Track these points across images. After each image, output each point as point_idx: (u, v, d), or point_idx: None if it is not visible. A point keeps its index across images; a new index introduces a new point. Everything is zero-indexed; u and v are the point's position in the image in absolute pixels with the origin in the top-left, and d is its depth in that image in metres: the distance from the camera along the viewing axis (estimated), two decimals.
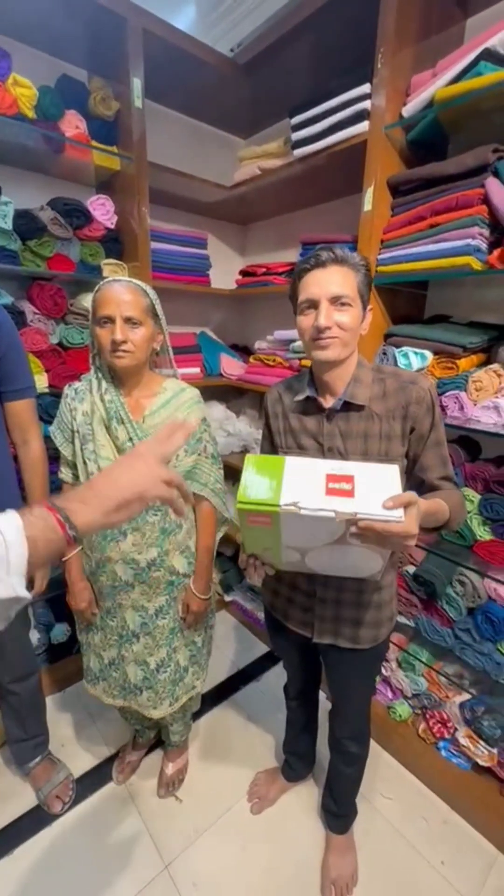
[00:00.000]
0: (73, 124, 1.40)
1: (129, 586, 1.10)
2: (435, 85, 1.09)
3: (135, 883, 1.16)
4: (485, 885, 1.17)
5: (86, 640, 1.22)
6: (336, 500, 0.65)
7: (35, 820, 1.29)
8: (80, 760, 1.45)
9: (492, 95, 1.01)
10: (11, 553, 0.45)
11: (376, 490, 0.65)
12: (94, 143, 1.45)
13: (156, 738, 1.51)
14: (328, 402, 0.89)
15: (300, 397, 0.92)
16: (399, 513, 0.63)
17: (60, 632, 1.70)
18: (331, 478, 0.67)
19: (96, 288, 0.99)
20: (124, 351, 0.97)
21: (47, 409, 1.49)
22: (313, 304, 0.83)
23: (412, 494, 0.66)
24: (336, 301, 0.81)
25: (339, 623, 0.97)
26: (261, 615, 2.03)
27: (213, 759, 1.49)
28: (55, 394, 1.51)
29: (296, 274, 0.87)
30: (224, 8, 1.64)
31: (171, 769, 1.40)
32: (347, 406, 0.87)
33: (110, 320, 0.96)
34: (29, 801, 1.34)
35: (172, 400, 1.08)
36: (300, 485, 0.67)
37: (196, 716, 1.58)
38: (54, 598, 1.70)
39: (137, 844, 1.24)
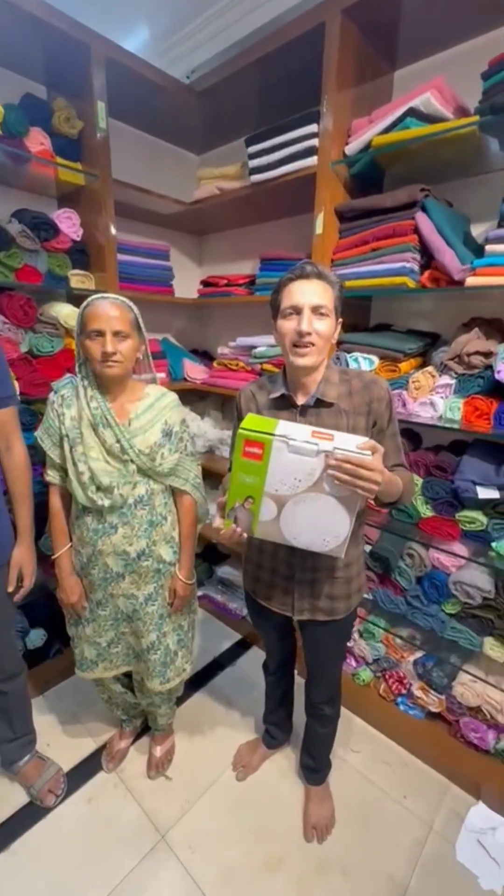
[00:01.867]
0: (37, 141, 1.46)
1: (119, 577, 1.19)
2: (371, 131, 1.30)
3: (133, 855, 1.25)
4: (440, 809, 1.39)
5: (76, 633, 1.30)
6: (319, 439, 0.81)
7: (29, 815, 1.34)
8: (68, 756, 1.51)
9: (417, 145, 1.22)
10: None
11: (350, 443, 0.83)
12: (58, 159, 1.52)
13: (142, 726, 1.60)
14: (301, 400, 1.01)
15: (275, 395, 1.03)
16: (368, 452, 0.80)
17: (37, 637, 1.73)
18: (315, 432, 0.84)
19: (85, 303, 1.09)
20: (115, 361, 1.07)
21: (20, 416, 1.54)
22: (296, 310, 0.93)
23: (378, 445, 0.83)
24: (316, 310, 0.93)
25: (315, 599, 1.10)
26: (232, 605, 2.17)
27: (198, 739, 1.61)
28: (27, 401, 1.56)
29: (280, 283, 0.97)
30: (178, 37, 1.77)
31: (159, 752, 1.50)
32: (318, 403, 0.99)
33: (101, 334, 1.06)
34: (21, 799, 1.38)
35: (155, 404, 1.20)
36: (291, 430, 0.83)
37: (179, 701, 1.69)
38: (30, 604, 1.74)
39: (133, 821, 1.34)
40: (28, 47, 1.42)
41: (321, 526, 0.89)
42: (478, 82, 1.13)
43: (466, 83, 1.18)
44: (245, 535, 0.93)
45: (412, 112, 1.20)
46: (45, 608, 1.75)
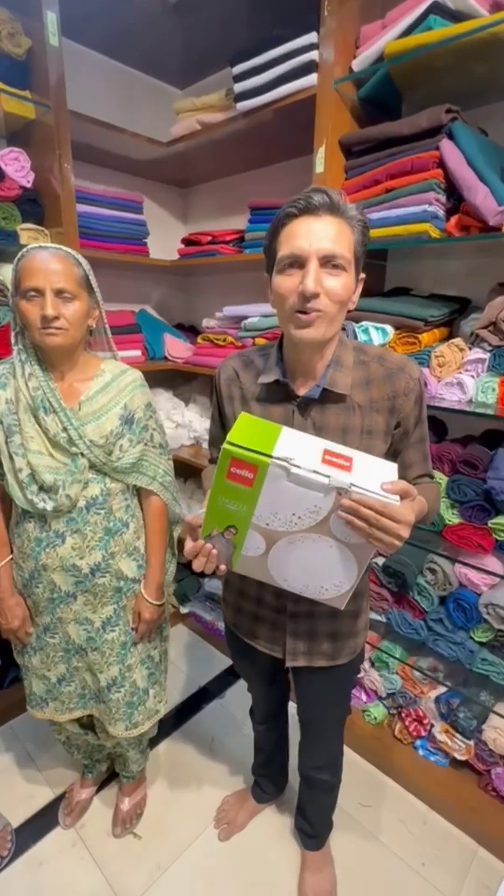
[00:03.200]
0: None
1: (70, 597, 1.08)
2: (385, 37, 1.15)
3: None
4: (466, 880, 1.28)
5: (23, 663, 1.20)
6: (332, 469, 0.65)
7: None
8: (19, 807, 1.42)
9: (442, 52, 1.07)
10: None
11: (374, 475, 0.67)
12: (1, 85, 1.39)
13: (107, 772, 1.50)
14: (301, 389, 0.83)
15: (266, 380, 0.85)
16: (396, 497, 0.65)
17: None
18: (328, 452, 0.68)
19: (19, 255, 0.96)
20: (57, 328, 0.95)
21: None
22: (298, 262, 0.73)
23: (412, 488, 0.67)
24: (328, 262, 0.72)
25: (313, 639, 0.95)
26: (222, 626, 2.06)
27: (176, 788, 1.50)
28: None
29: (277, 220, 0.76)
30: None
31: (127, 804, 1.40)
32: (325, 394, 0.82)
33: (38, 293, 0.93)
34: None
35: (112, 383, 1.07)
36: (295, 448, 0.67)
37: (153, 742, 1.58)
38: None
39: (92, 891, 1.23)
40: None
41: (320, 573, 0.76)
42: None
43: None
44: (222, 567, 0.80)
45: (436, 8, 1.05)
46: None
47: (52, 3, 1.36)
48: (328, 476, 0.64)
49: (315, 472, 0.65)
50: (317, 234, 0.72)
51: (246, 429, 0.69)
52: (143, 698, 1.22)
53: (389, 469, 0.69)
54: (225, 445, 0.66)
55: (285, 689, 1.27)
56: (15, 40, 1.39)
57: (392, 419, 0.83)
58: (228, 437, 0.66)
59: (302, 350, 0.81)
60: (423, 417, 0.88)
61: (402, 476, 0.84)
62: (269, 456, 0.65)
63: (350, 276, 0.75)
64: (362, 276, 0.82)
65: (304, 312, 0.74)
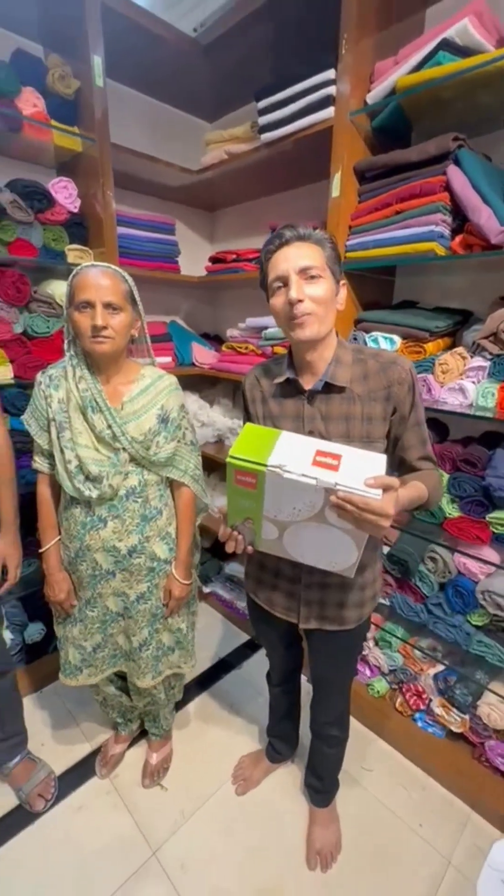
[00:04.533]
0: (30, 102, 1.37)
1: (109, 574, 1.11)
2: (397, 73, 1.14)
3: (123, 871, 1.18)
4: (460, 841, 1.27)
5: (63, 634, 1.22)
6: (320, 470, 0.70)
7: (17, 820, 1.29)
8: (61, 758, 1.46)
9: (451, 84, 1.06)
10: None
11: (360, 471, 0.70)
12: (53, 122, 1.42)
13: (138, 730, 1.53)
14: (308, 384, 0.90)
15: (279, 380, 0.92)
16: (377, 492, 0.68)
17: (35, 631, 1.68)
18: (320, 453, 0.73)
19: (74, 272, 0.99)
20: (105, 337, 0.98)
21: (13, 401, 1.47)
22: (283, 280, 0.83)
23: (394, 480, 0.69)
24: (305, 273, 0.81)
25: (324, 607, 0.99)
26: (240, 605, 2.08)
27: (198, 747, 1.53)
28: (21, 385, 1.49)
29: (262, 257, 0.87)
30: None
31: (155, 759, 1.43)
32: (328, 388, 0.88)
33: (90, 305, 0.96)
34: (10, 801, 1.33)
35: (151, 387, 1.10)
36: (289, 454, 0.72)
37: (179, 705, 1.61)
38: (27, 597, 1.69)
39: (124, 834, 1.27)
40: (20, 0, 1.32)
41: (327, 551, 0.81)
42: None
43: None
44: (250, 548, 0.87)
45: (445, 45, 1.04)
46: (44, 601, 1.69)
47: (98, 48, 1.39)
48: (315, 479, 0.69)
49: (304, 475, 0.69)
50: (292, 257, 0.82)
51: (248, 439, 0.76)
52: (168, 653, 1.25)
53: (377, 462, 0.72)
54: (228, 459, 0.73)
55: (299, 655, 1.28)
56: (65, 82, 1.43)
57: (389, 406, 0.87)
58: (231, 451, 0.74)
59: (304, 350, 0.88)
60: (417, 403, 0.90)
61: (403, 457, 0.92)
62: (265, 465, 0.71)
63: (328, 282, 0.83)
64: (343, 281, 0.88)
65: (295, 317, 0.82)
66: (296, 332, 0.84)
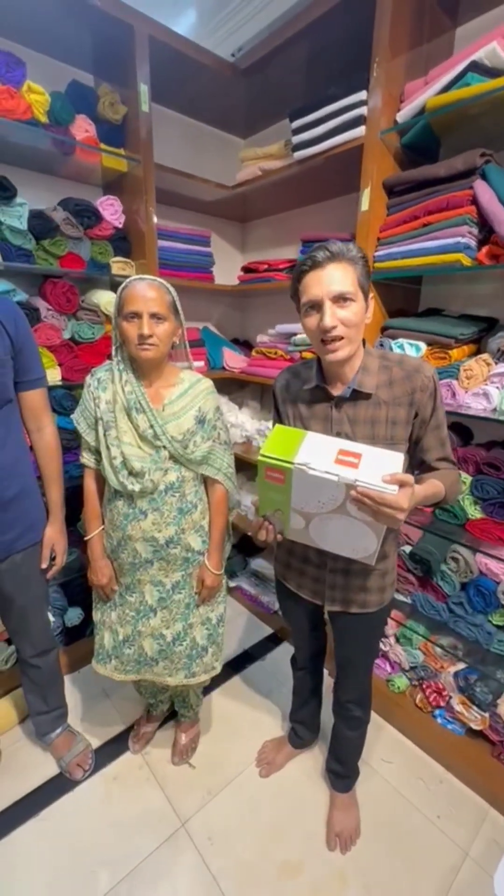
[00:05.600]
0: (82, 128, 1.47)
1: (148, 563, 1.18)
2: (426, 93, 1.18)
3: (153, 839, 1.25)
4: (478, 835, 1.28)
5: (100, 619, 1.30)
6: (342, 468, 0.76)
7: (58, 786, 1.38)
8: (97, 734, 1.55)
9: (479, 103, 1.09)
10: None
11: (378, 468, 0.76)
12: (102, 146, 1.52)
13: (169, 711, 1.60)
14: (337, 391, 0.94)
15: (309, 386, 0.97)
16: (394, 488, 0.73)
17: (75, 615, 1.79)
18: (342, 452, 0.79)
19: (122, 285, 1.07)
20: (150, 344, 1.05)
21: (60, 401, 1.58)
22: (316, 306, 0.86)
23: (409, 476, 0.74)
24: (338, 299, 0.84)
25: (348, 591, 1.05)
26: (265, 599, 2.13)
27: (224, 731, 1.59)
28: (68, 386, 1.59)
29: (294, 276, 0.90)
30: (225, 13, 1.72)
31: (184, 739, 1.50)
32: (356, 394, 0.92)
33: (137, 315, 1.04)
34: (51, 770, 1.43)
35: (189, 390, 1.17)
36: (314, 452, 0.79)
37: (206, 690, 1.68)
38: (67, 583, 1.80)
39: (154, 805, 1.34)
40: (73, 32, 1.42)
41: (349, 540, 0.87)
42: None
43: None
44: (279, 536, 0.94)
45: (474, 66, 1.08)
46: (83, 588, 1.81)
47: (145, 76, 1.48)
48: (337, 475, 0.75)
49: (327, 472, 0.76)
50: (326, 282, 0.84)
51: (277, 438, 0.83)
52: (202, 654, 1.30)
53: (395, 460, 0.77)
54: (259, 456, 0.81)
55: (322, 639, 1.33)
56: (114, 108, 1.53)
57: (411, 410, 0.91)
58: (261, 450, 0.81)
59: (334, 364, 0.93)
60: (439, 407, 0.94)
61: (422, 458, 0.97)
62: (291, 463, 0.78)
63: (359, 303, 0.86)
64: (372, 295, 0.91)
65: (327, 342, 0.86)
66: (327, 356, 0.88)
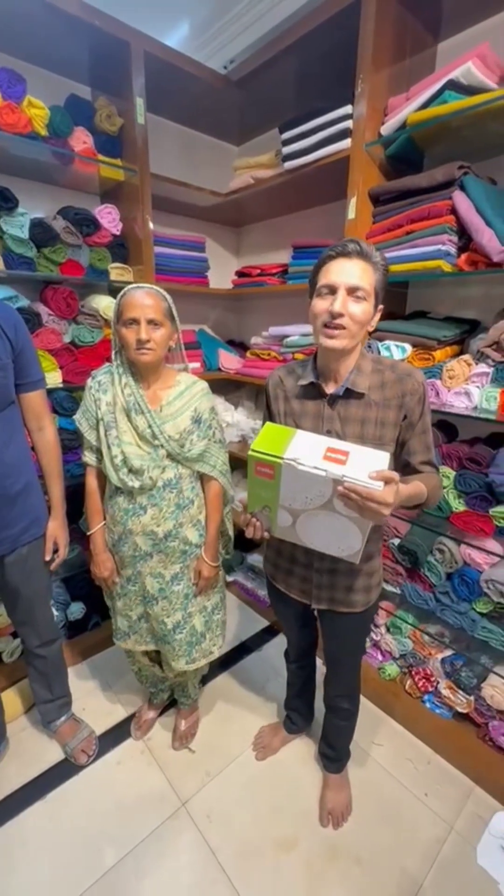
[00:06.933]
0: (81, 140, 1.52)
1: (147, 556, 1.24)
2: (407, 108, 1.24)
3: (155, 818, 1.32)
4: (463, 810, 1.35)
5: (112, 605, 1.38)
6: (330, 464, 0.79)
7: (64, 770, 1.44)
8: (100, 721, 1.61)
9: (458, 118, 1.15)
10: None
11: (365, 465, 0.79)
12: (100, 156, 1.57)
13: (169, 699, 1.66)
14: (330, 389, 0.97)
15: (303, 382, 0.99)
16: (379, 484, 0.77)
17: (77, 609, 1.85)
18: (330, 449, 0.82)
19: (121, 293, 1.13)
20: (148, 349, 1.11)
21: (61, 402, 1.63)
22: (332, 290, 0.87)
23: (394, 474, 0.77)
24: (353, 292, 0.86)
25: (334, 590, 1.08)
26: (261, 593, 2.19)
27: (222, 717, 1.65)
28: (68, 388, 1.65)
29: (321, 260, 0.90)
30: (217, 27, 1.77)
31: (184, 725, 1.56)
32: (348, 393, 0.95)
33: (136, 322, 1.10)
34: (57, 755, 1.49)
35: (186, 391, 1.22)
36: (303, 449, 0.82)
37: (205, 679, 1.74)
38: (70, 578, 1.85)
39: (156, 787, 1.40)
40: (72, 48, 1.48)
41: (335, 537, 0.89)
42: None
43: None
44: (266, 534, 0.97)
45: (451, 85, 1.13)
46: (84, 583, 1.86)
47: (141, 89, 1.53)
48: (325, 471, 0.78)
49: (315, 467, 0.79)
50: (347, 271, 0.87)
51: (267, 435, 0.86)
52: (200, 640, 1.37)
53: (381, 458, 0.81)
54: (249, 452, 0.84)
55: (313, 634, 1.38)
56: (111, 120, 1.58)
57: (400, 413, 0.95)
58: (252, 445, 0.84)
59: (330, 358, 0.95)
60: (426, 413, 0.97)
61: (407, 460, 0.99)
62: (282, 458, 0.81)
63: (370, 305, 0.89)
64: (381, 307, 0.94)
65: (330, 327, 0.88)
66: (325, 341, 0.90)
